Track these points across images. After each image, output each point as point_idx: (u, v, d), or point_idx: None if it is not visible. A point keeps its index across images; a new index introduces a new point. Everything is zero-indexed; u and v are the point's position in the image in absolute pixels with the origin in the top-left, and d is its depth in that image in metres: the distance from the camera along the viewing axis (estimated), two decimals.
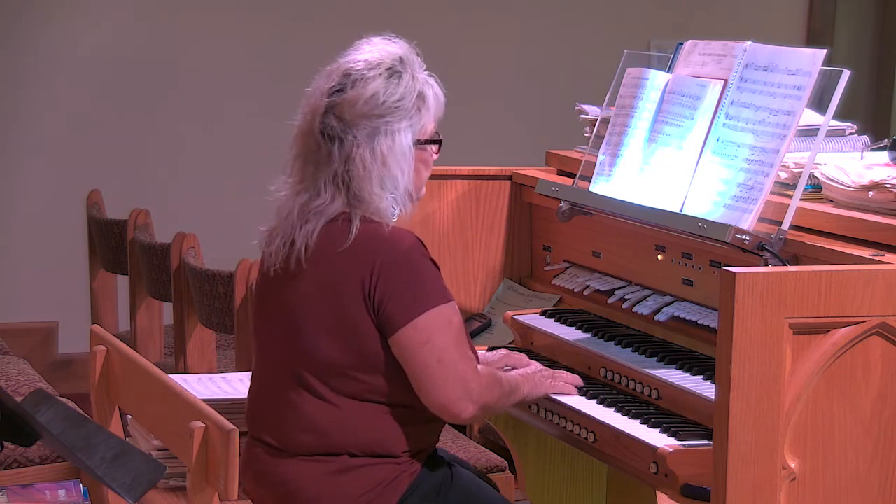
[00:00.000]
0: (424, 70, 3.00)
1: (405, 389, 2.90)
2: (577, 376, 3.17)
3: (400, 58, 2.96)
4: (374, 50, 2.97)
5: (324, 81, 2.96)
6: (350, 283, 2.87)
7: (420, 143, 2.96)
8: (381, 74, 2.92)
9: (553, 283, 3.71)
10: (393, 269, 2.86)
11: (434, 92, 2.99)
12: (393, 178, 2.90)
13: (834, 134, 3.31)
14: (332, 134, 2.90)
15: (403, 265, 2.87)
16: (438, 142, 3.01)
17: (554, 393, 3.12)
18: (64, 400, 2.39)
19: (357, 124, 2.89)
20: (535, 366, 3.21)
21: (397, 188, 2.91)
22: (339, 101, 2.91)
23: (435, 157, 3.03)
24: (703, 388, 2.94)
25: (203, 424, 2.69)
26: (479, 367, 2.94)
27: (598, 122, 3.59)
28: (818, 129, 2.99)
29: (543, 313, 3.58)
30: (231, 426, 2.63)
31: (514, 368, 3.21)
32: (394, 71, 2.94)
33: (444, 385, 2.87)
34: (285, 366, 2.96)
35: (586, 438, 3.01)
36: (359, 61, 2.95)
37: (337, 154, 2.90)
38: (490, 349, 3.39)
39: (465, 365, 2.89)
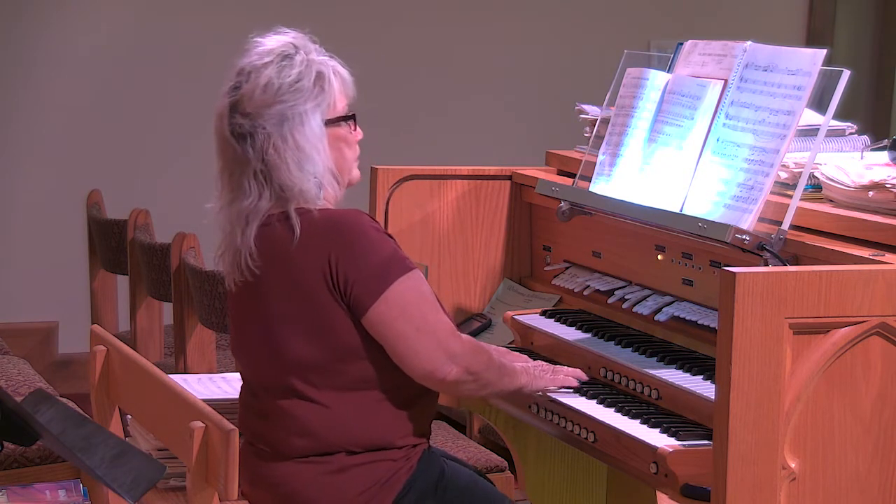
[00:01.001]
0: (325, 54, 2.99)
1: (390, 370, 2.90)
2: (578, 370, 3.17)
3: (292, 44, 2.97)
4: (265, 42, 2.98)
5: (223, 86, 2.97)
6: (311, 277, 2.87)
7: (331, 122, 2.95)
8: (272, 61, 2.93)
9: (553, 283, 3.71)
10: (349, 249, 2.86)
11: (335, 70, 2.98)
12: (310, 159, 2.90)
13: (834, 134, 3.31)
14: (242, 132, 2.91)
15: (358, 243, 2.87)
16: (350, 117, 2.99)
17: (554, 386, 3.12)
18: (64, 400, 2.40)
19: (262, 115, 2.89)
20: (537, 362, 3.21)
21: (317, 167, 2.90)
22: (238, 98, 2.92)
23: (356, 135, 3.01)
24: (703, 388, 2.94)
25: (203, 424, 2.68)
26: (460, 333, 2.95)
27: (598, 122, 3.59)
28: (818, 129, 2.98)
29: (543, 313, 3.58)
30: (231, 426, 2.63)
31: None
32: (285, 55, 2.94)
33: (425, 352, 2.87)
34: (268, 375, 2.96)
35: (586, 438, 3.01)
36: (251, 55, 2.96)
37: (251, 151, 2.90)
38: None
39: (442, 329, 2.90)
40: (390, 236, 2.93)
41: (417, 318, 2.87)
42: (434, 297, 2.93)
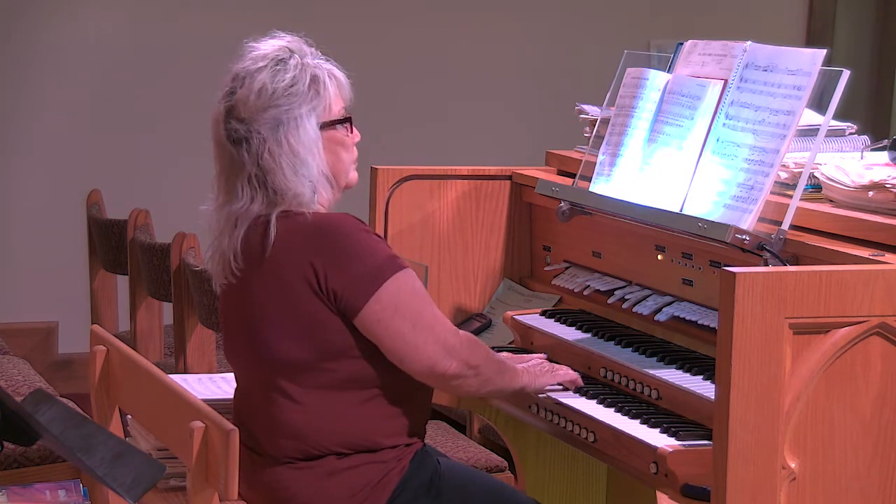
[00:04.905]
0: (321, 58, 2.99)
1: (379, 368, 2.90)
2: (577, 374, 3.18)
3: (287, 48, 2.96)
4: (260, 47, 2.97)
5: (219, 91, 2.97)
6: (293, 281, 2.87)
7: (327, 125, 2.94)
8: (266, 66, 2.92)
9: (553, 283, 3.71)
10: (337, 255, 2.85)
11: (331, 73, 2.97)
12: (304, 164, 2.89)
13: (834, 134, 3.31)
14: (238, 137, 2.91)
15: (346, 248, 2.86)
16: (345, 120, 2.98)
17: (555, 383, 3.12)
18: (64, 400, 2.40)
19: (257, 119, 2.89)
20: (536, 360, 3.20)
21: (311, 172, 2.90)
22: (233, 103, 2.92)
23: (353, 137, 3.00)
24: (703, 388, 2.94)
25: (203, 424, 2.69)
26: (456, 328, 2.94)
27: (598, 122, 3.59)
28: (818, 129, 2.98)
29: (543, 313, 3.58)
30: (231, 426, 2.63)
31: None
32: (279, 59, 2.93)
33: (423, 347, 2.87)
34: (255, 376, 2.97)
35: (586, 438, 3.01)
36: (246, 60, 2.96)
37: (247, 156, 2.90)
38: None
39: (439, 324, 2.89)
40: (380, 237, 2.93)
41: (412, 314, 2.87)
42: (428, 294, 2.93)
